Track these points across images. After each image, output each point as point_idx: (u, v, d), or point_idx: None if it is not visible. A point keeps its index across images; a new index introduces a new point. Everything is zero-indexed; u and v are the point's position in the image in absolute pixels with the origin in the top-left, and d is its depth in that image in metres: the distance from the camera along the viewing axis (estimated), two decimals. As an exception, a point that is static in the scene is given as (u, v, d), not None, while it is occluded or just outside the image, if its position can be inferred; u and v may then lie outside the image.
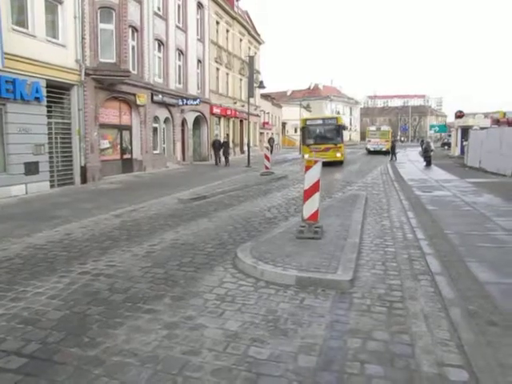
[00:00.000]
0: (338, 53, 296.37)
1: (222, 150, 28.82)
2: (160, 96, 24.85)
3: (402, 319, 4.53)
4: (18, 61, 14.33)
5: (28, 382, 3.43)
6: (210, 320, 4.50)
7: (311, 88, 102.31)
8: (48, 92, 16.09)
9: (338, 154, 26.68)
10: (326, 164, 22.42)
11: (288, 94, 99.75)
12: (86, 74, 18.17)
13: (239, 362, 3.66)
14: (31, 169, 15.15)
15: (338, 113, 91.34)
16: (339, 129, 27.29)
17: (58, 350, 3.91)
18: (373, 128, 49.28)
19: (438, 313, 4.69)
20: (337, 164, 26.67)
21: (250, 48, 44.91)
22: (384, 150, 42.10)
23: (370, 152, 44.58)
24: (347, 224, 8.69)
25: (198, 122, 32.07)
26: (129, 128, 22.69)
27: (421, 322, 4.44)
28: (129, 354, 3.80)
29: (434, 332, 4.22)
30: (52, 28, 16.69)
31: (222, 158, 28.89)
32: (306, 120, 29.14)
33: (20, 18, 15.04)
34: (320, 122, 28.46)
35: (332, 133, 27.37)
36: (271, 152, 28.51)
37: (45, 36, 15.93)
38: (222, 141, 30.42)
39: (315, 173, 7.34)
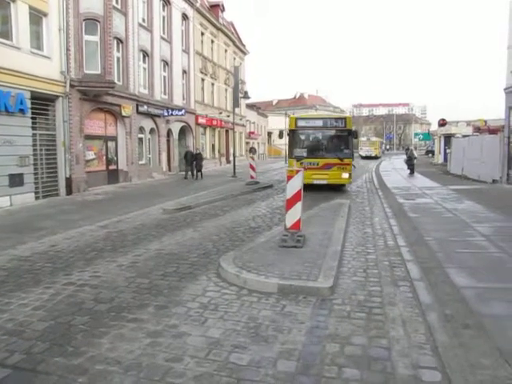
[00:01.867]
0: (323, 62, 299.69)
1: (194, 163, 25.99)
2: (145, 107, 24.91)
3: (380, 324, 4.66)
4: (1, 73, 14.33)
5: (12, 391, 3.49)
6: (193, 328, 4.59)
7: (297, 97, 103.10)
8: (32, 104, 16.06)
9: (345, 175, 17.58)
10: (317, 187, 17.35)
11: (274, 103, 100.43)
12: (71, 86, 18.19)
13: (221, 367, 3.76)
14: (16, 180, 15.09)
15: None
16: (348, 135, 17.84)
17: (43, 359, 3.96)
18: (364, 139, 63.74)
19: (415, 317, 4.83)
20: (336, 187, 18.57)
21: (235, 58, 45.29)
22: (373, 155, 56.94)
23: (362, 157, 56.32)
24: (330, 232, 8.84)
25: (183, 133, 32.16)
26: (114, 139, 22.69)
27: (398, 327, 4.57)
28: (112, 362, 3.87)
29: (410, 336, 4.36)
30: (36, 40, 16.71)
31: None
32: (298, 120, 18.63)
33: (4, 29, 15.06)
34: (320, 123, 18.45)
35: (338, 141, 18.41)
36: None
37: (29, 48, 15.94)
38: (194, 152, 27.43)
39: (297, 182, 7.48)
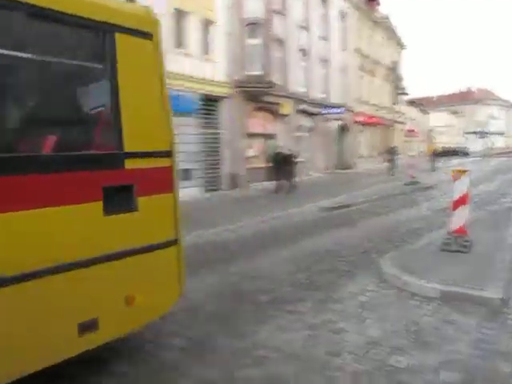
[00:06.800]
0: (488, 52, 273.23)
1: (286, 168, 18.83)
2: (304, 105, 25.42)
3: None
4: (177, 78, 15.85)
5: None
6: (351, 325, 4.61)
7: (461, 91, 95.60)
8: (201, 105, 17.58)
9: None
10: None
11: (434, 99, 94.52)
12: (235, 87, 19.40)
13: (379, 367, 3.71)
14: (185, 175, 16.60)
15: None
16: None
17: (213, 338, 4.39)
18: None
19: None
20: None
21: (392, 53, 43.73)
22: None
23: None
24: (500, 238, 8.09)
25: (341, 130, 32.07)
26: (273, 137, 23.58)
27: None
28: (273, 349, 4.09)
29: None
30: (205, 46, 18.20)
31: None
32: None
33: (178, 40, 16.70)
34: None
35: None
36: (394, 163, 27.01)
37: (199, 54, 17.46)
38: (285, 154, 19.30)
39: (463, 184, 7.01)
